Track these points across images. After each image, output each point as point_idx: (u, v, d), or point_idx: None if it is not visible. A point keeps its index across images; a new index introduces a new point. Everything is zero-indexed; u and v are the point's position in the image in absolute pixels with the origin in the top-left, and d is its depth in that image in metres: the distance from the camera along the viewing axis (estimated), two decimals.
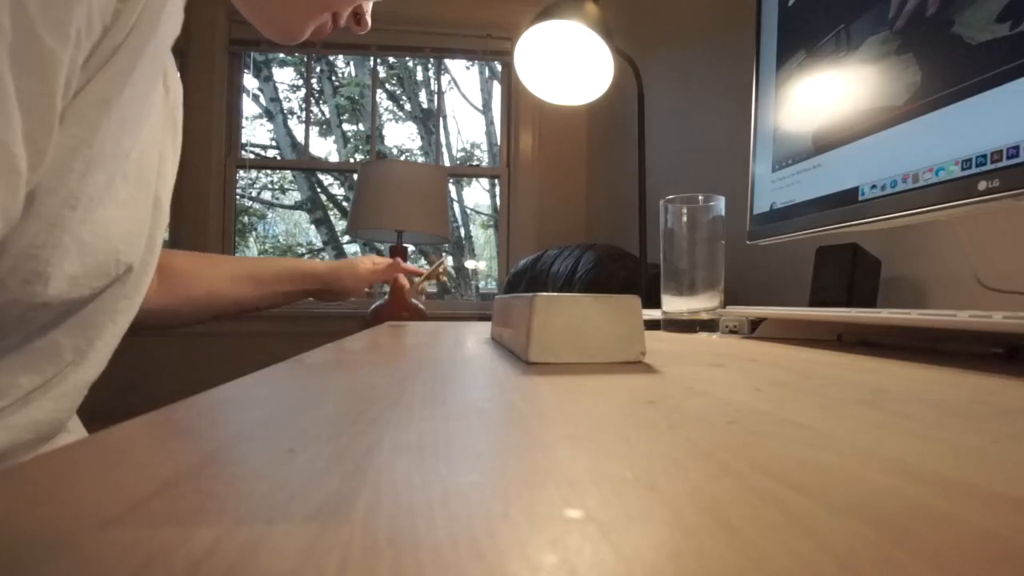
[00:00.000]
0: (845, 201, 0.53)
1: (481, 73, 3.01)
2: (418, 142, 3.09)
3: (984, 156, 0.39)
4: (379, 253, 3.03)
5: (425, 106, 3.09)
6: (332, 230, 3.07)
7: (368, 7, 0.59)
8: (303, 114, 2.87)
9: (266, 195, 3.13)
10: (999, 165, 0.38)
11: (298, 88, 3.04)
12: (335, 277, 0.80)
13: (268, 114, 2.93)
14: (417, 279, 0.83)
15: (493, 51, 2.33)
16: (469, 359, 0.33)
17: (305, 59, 2.69)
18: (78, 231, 0.35)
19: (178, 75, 0.54)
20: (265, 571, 0.07)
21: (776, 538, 0.08)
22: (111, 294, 0.42)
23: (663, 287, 0.65)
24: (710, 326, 0.62)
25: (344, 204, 3.02)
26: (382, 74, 3.08)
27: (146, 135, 0.41)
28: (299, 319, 2.13)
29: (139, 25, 0.34)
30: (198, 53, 2.18)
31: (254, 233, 3.06)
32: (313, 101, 2.98)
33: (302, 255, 3.20)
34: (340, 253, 3.11)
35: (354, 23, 0.60)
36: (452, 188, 2.73)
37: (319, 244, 3.16)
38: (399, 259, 0.86)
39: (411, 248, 2.21)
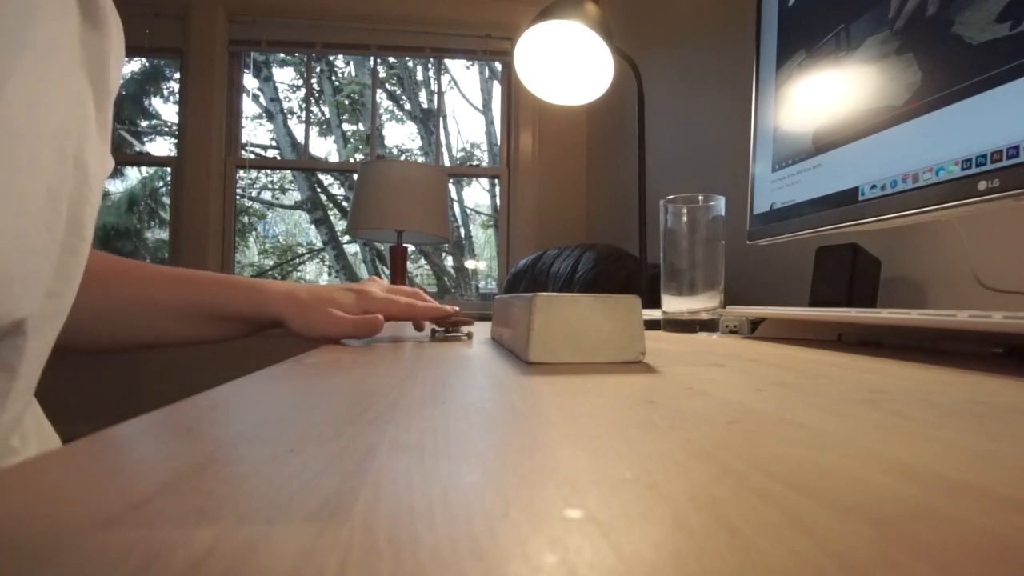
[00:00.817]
0: (845, 201, 0.53)
1: (481, 73, 3.01)
2: (418, 142, 3.09)
3: (984, 156, 0.39)
4: (379, 253, 3.04)
5: (425, 106, 3.10)
6: (332, 230, 3.07)
7: None
8: (303, 114, 2.87)
9: (266, 195, 3.14)
10: (999, 165, 0.38)
11: (298, 88, 3.04)
12: (295, 322, 0.49)
13: (268, 114, 2.93)
14: (438, 331, 0.52)
15: (493, 51, 2.33)
16: (469, 359, 0.33)
17: (305, 59, 2.69)
18: None
19: (115, 12, 0.40)
20: (265, 571, 0.07)
21: (776, 538, 0.08)
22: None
23: (663, 287, 0.65)
24: (710, 326, 0.62)
25: (344, 204, 3.02)
26: (382, 74, 3.08)
27: (26, 91, 0.30)
28: None
29: None
30: (198, 53, 2.18)
31: (254, 233, 3.06)
32: (313, 101, 2.98)
33: (302, 255, 3.20)
34: (340, 253, 3.11)
35: None
36: (452, 188, 2.73)
37: (319, 244, 3.16)
38: (415, 299, 0.52)
39: (411, 248, 2.21)
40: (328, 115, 3.11)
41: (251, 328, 0.54)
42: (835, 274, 0.64)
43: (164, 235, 2.26)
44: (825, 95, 0.57)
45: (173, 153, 2.25)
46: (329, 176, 3.05)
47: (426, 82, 3.13)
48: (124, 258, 0.52)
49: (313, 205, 3.12)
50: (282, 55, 2.79)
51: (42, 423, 0.41)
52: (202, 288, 0.52)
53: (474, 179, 3.02)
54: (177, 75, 2.27)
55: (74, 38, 0.36)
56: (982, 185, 0.39)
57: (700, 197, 0.64)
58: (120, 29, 0.42)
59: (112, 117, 0.43)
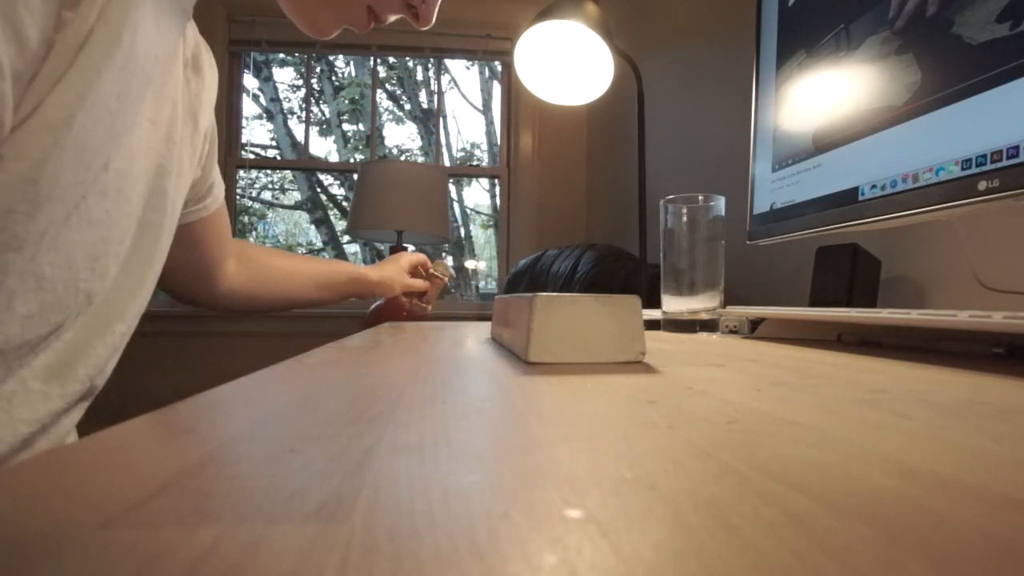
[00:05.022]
0: (845, 201, 0.53)
1: (481, 73, 3.01)
2: (418, 142, 3.10)
3: (984, 156, 0.39)
4: (379, 253, 3.05)
5: (425, 106, 3.09)
6: (332, 230, 3.08)
7: None
8: (303, 114, 2.87)
9: (266, 195, 3.14)
10: (999, 165, 0.38)
11: (298, 88, 3.04)
12: (384, 288, 0.85)
13: (268, 114, 2.93)
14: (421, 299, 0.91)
15: (493, 51, 2.33)
16: (469, 359, 0.33)
17: (305, 59, 2.69)
18: (29, 268, 0.32)
19: (212, 59, 0.51)
20: (265, 571, 0.07)
21: (776, 538, 0.08)
22: (88, 321, 0.39)
23: (663, 287, 0.65)
24: (710, 326, 0.62)
25: (344, 204, 3.02)
26: (382, 74, 3.08)
27: (135, 143, 0.38)
28: (299, 319, 2.13)
29: (95, 36, 0.30)
30: None
31: (254, 233, 3.06)
32: (313, 101, 2.97)
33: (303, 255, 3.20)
34: (340, 253, 3.11)
35: (411, 17, 0.56)
36: (452, 188, 2.73)
37: (319, 244, 3.16)
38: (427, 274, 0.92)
39: (411, 248, 2.21)
40: (328, 115, 3.11)
41: (348, 296, 0.84)
42: (835, 274, 0.63)
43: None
44: (825, 95, 0.57)
45: None
46: (329, 176, 3.05)
47: (426, 82, 3.13)
48: (274, 250, 0.80)
49: (313, 205, 3.12)
50: (282, 55, 2.79)
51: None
52: (344, 276, 0.81)
53: (474, 179, 3.02)
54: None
55: (177, 88, 0.43)
56: (982, 185, 0.39)
57: (700, 197, 0.64)
58: (215, 72, 0.53)
59: (213, 147, 0.56)
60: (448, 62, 2.83)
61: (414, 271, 0.89)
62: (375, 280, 0.83)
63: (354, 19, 0.52)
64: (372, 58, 2.55)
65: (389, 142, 3.08)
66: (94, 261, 0.36)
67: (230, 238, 0.67)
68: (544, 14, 1.00)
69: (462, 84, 3.06)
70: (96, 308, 0.39)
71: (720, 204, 0.64)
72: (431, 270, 0.89)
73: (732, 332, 0.59)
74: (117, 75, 0.32)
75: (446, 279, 0.91)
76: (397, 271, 0.85)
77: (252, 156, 2.68)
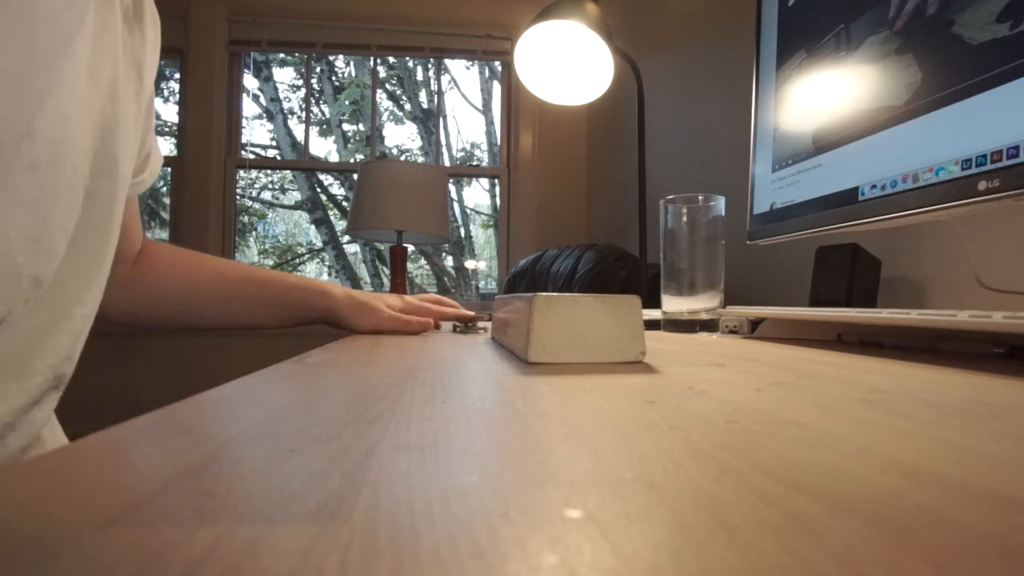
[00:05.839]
0: (845, 201, 0.53)
1: (481, 73, 3.01)
2: (418, 142, 3.09)
3: (984, 156, 0.39)
4: (379, 253, 3.05)
5: (425, 106, 3.10)
6: (332, 230, 3.07)
7: None
8: (303, 114, 2.87)
9: (266, 195, 3.13)
10: (999, 165, 0.38)
11: (298, 88, 3.04)
12: (351, 315, 0.62)
13: (268, 114, 2.93)
14: (459, 326, 0.65)
15: (493, 51, 2.33)
16: (469, 359, 0.33)
17: (305, 59, 2.69)
18: None
19: (154, 8, 0.45)
20: (265, 571, 0.07)
21: (776, 538, 0.08)
22: (42, 308, 0.36)
23: (663, 287, 0.65)
24: (710, 326, 0.62)
25: (344, 204, 3.02)
26: (382, 74, 3.08)
27: (67, 106, 0.33)
28: None
29: None
30: (198, 53, 2.18)
31: (254, 233, 3.06)
32: (313, 101, 2.98)
33: (302, 255, 3.20)
34: (340, 253, 3.11)
35: None
36: (452, 188, 2.73)
37: (319, 244, 3.16)
38: (442, 305, 0.70)
39: (411, 248, 2.21)
40: (328, 115, 3.11)
41: (307, 321, 0.65)
42: (835, 274, 0.63)
43: (164, 235, 2.26)
44: (825, 95, 0.57)
45: (173, 153, 2.25)
46: (329, 176, 3.05)
47: (426, 82, 3.13)
48: (204, 254, 0.62)
49: (313, 205, 3.12)
50: (282, 55, 2.79)
51: (56, 428, 0.44)
52: (276, 287, 0.64)
53: (474, 179, 3.02)
54: (177, 75, 2.27)
55: (117, 39, 0.39)
56: (982, 185, 0.39)
57: (700, 197, 0.64)
58: (157, 28, 0.47)
59: (150, 112, 0.48)
60: (448, 62, 2.83)
61: (411, 310, 0.67)
62: (337, 305, 0.62)
63: None
64: (372, 58, 2.56)
65: (389, 142, 3.08)
66: (35, 243, 0.33)
67: (136, 240, 0.56)
68: (544, 14, 1.00)
69: (462, 84, 3.06)
70: (49, 293, 0.36)
71: (720, 204, 0.64)
72: (472, 324, 0.65)
73: (732, 332, 0.59)
74: (12, 28, 0.29)
75: (479, 326, 0.66)
76: (371, 308, 0.62)
77: (252, 156, 2.68)
